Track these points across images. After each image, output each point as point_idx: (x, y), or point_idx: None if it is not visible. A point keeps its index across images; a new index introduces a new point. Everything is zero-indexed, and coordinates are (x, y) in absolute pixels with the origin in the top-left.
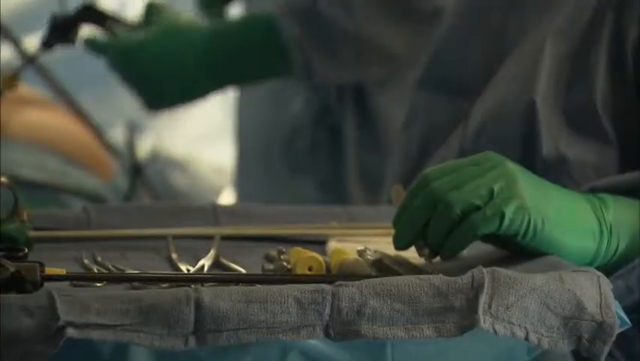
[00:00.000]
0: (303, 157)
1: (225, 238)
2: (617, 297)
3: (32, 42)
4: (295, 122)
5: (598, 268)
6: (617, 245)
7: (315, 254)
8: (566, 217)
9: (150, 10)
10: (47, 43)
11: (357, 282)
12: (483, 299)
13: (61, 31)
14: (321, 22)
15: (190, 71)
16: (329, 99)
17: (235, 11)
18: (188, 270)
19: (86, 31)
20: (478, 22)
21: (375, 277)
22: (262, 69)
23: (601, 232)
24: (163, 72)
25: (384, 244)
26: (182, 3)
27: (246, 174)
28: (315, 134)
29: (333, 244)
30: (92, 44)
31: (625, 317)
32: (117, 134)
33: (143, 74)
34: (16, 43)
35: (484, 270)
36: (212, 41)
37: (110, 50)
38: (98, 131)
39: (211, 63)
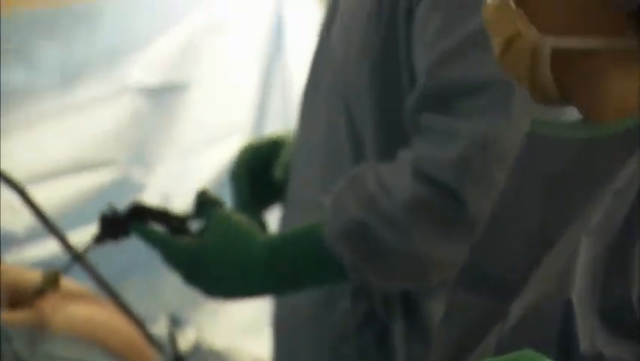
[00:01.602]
0: None
1: None
2: None
3: (78, 237)
4: (340, 327)
5: None
6: None
7: None
8: None
9: (202, 203)
10: (99, 239)
11: None
12: None
13: (111, 228)
14: (373, 244)
15: (249, 278)
16: (375, 302)
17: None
18: None
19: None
20: (517, 224)
21: None
22: (319, 280)
23: None
24: (223, 277)
25: None
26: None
27: None
28: (360, 341)
29: None
30: (147, 236)
31: None
32: (160, 328)
33: (202, 274)
34: (62, 239)
35: None
36: (271, 253)
37: (168, 249)
38: (141, 325)
39: (270, 274)
